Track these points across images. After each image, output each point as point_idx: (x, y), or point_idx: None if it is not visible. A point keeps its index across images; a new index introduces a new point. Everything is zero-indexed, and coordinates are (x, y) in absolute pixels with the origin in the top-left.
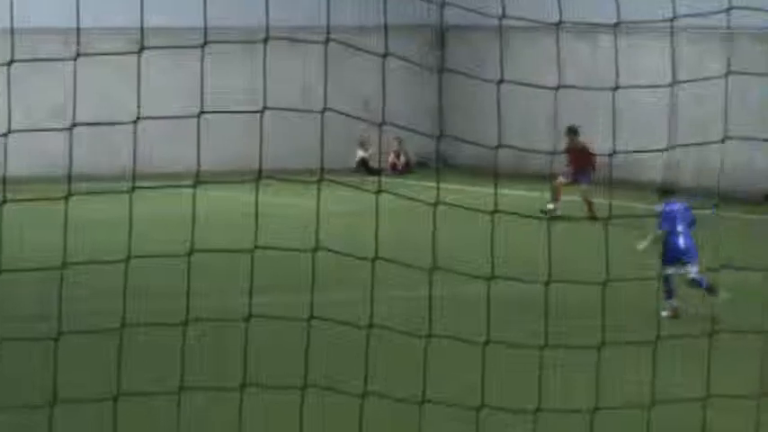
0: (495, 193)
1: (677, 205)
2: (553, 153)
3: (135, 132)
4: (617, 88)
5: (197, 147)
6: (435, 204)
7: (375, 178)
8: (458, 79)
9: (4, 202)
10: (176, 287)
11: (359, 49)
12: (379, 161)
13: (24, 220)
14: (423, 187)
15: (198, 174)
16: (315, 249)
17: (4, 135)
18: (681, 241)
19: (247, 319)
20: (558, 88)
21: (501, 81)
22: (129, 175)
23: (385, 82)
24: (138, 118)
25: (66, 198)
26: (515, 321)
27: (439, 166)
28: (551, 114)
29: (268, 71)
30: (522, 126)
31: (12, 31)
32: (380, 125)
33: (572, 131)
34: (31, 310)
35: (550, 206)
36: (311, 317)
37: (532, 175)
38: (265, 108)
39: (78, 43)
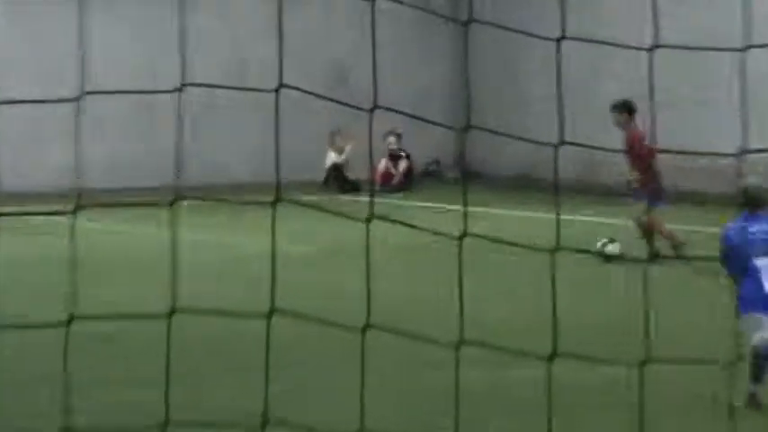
0: (558, 221)
1: (763, 225)
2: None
3: None
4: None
5: None
6: (461, 238)
7: (356, 196)
8: (486, 39)
9: None
10: None
11: None
12: (371, 168)
13: None
14: (433, 211)
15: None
16: (269, 314)
17: None
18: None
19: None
20: (653, 48)
21: (562, 38)
22: None
23: (375, 42)
24: None
25: None
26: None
27: (459, 176)
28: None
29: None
30: (584, 114)
31: None
32: (371, 110)
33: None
34: None
35: (611, 248)
36: None
37: (604, 192)
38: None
39: None
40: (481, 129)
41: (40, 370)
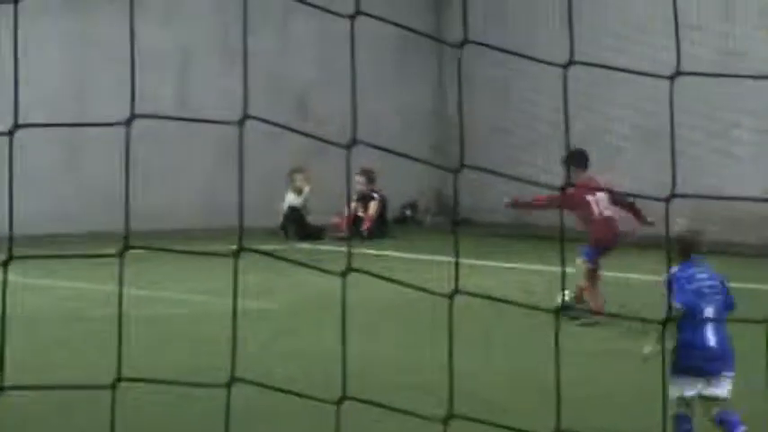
0: (564, 272)
1: (707, 274)
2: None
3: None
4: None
5: None
6: (451, 296)
7: (317, 244)
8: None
9: None
10: None
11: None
12: (344, 213)
13: None
14: (408, 262)
15: None
16: (229, 383)
17: None
18: (710, 337)
19: None
20: (674, 77)
21: (570, 63)
22: None
23: (354, 66)
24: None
25: None
26: None
27: (439, 222)
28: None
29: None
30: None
31: None
32: (348, 147)
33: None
34: None
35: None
36: None
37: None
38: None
39: None
40: (476, 168)
41: None
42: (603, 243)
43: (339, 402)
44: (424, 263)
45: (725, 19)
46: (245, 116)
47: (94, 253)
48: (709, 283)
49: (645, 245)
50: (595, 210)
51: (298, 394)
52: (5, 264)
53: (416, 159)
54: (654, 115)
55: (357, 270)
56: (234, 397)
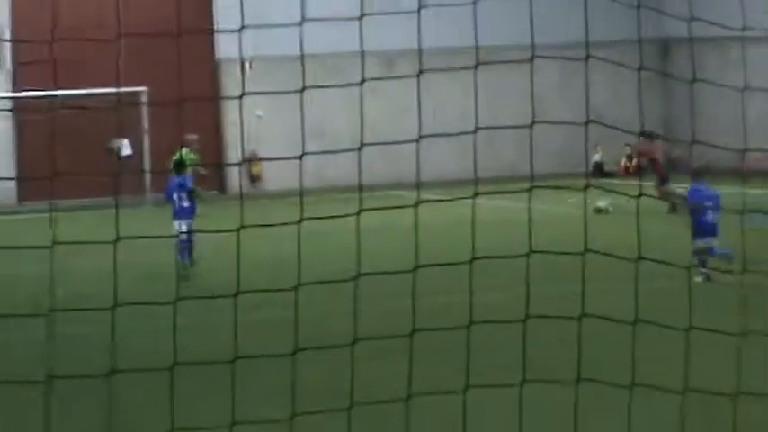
0: None
1: (705, 188)
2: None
3: (418, 148)
4: None
5: (474, 159)
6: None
7: (609, 180)
8: (681, 91)
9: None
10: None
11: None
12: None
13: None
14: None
15: (476, 183)
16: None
17: (299, 158)
18: (709, 220)
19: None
20: None
21: (745, 88)
22: (401, 185)
23: (616, 91)
24: (421, 136)
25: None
26: None
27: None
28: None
29: (504, 85)
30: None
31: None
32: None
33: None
34: None
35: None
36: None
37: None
38: (534, 122)
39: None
40: (698, 142)
41: None
42: None
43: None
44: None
45: None
46: (534, 121)
47: None
48: (707, 193)
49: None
50: None
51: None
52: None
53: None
54: None
55: (647, 195)
56: None
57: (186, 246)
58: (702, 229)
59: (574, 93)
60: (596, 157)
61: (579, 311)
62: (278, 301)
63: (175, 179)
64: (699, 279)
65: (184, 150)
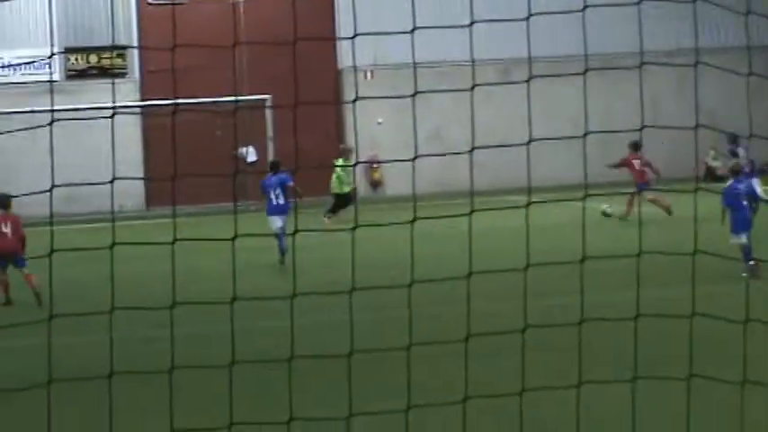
0: None
1: (743, 184)
2: None
3: (528, 153)
4: None
5: (584, 163)
6: None
7: (717, 184)
8: None
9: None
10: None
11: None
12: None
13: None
14: None
15: (586, 187)
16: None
17: (413, 159)
18: (746, 216)
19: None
20: None
21: None
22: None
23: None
24: (531, 140)
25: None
26: None
27: None
28: None
29: (621, 92)
30: None
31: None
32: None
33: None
34: None
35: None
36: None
37: None
38: (644, 126)
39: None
40: None
41: None
42: None
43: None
44: None
45: None
46: (644, 125)
47: None
48: (744, 191)
49: None
50: None
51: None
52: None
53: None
54: None
55: None
56: None
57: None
58: (739, 224)
59: (687, 98)
60: (709, 162)
61: (688, 311)
62: (394, 301)
63: (273, 177)
64: (745, 274)
65: (340, 160)
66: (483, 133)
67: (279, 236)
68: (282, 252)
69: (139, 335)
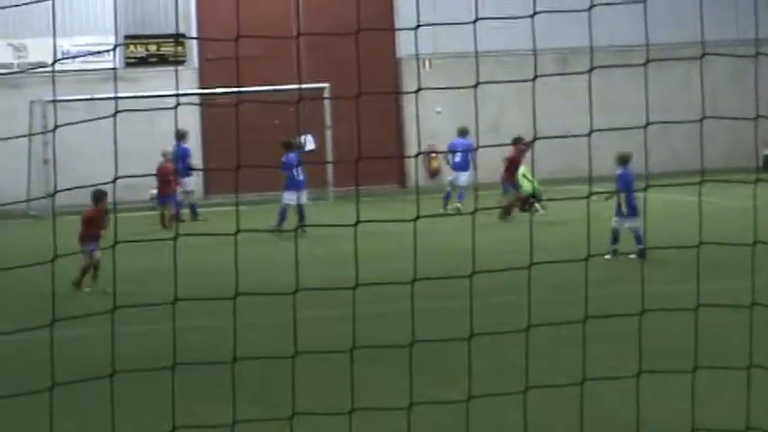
0: None
1: (623, 171)
2: None
3: (589, 145)
4: None
5: (645, 154)
6: None
7: None
8: None
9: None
10: None
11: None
12: None
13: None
14: None
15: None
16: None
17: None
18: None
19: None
20: None
21: None
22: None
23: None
24: (592, 131)
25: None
26: None
27: None
28: None
29: (681, 82)
30: None
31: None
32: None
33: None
34: None
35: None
36: None
37: None
38: (704, 117)
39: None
40: None
41: None
42: None
43: None
44: None
45: None
46: (703, 117)
47: None
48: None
49: None
50: None
51: None
52: None
53: None
54: None
55: None
56: None
57: (296, 213)
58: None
59: (747, 88)
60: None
61: (747, 301)
62: (452, 292)
63: (292, 155)
64: (608, 257)
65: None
66: (541, 124)
67: (300, 207)
68: (302, 218)
69: (199, 324)
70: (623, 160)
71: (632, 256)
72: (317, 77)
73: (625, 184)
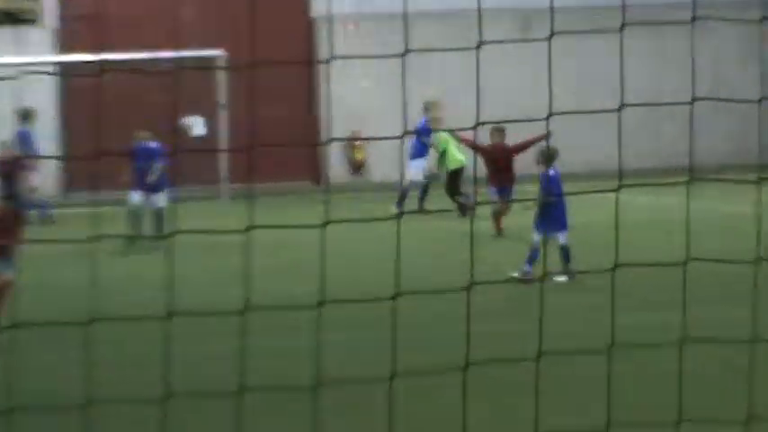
0: None
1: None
2: None
3: (548, 132)
4: None
5: (618, 144)
6: None
7: None
8: None
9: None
10: None
11: None
12: None
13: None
14: None
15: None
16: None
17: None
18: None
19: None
20: None
21: None
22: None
23: None
24: (551, 114)
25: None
26: None
27: None
28: None
29: (675, 57)
30: None
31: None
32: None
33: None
34: None
35: None
36: None
37: None
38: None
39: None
40: None
41: None
42: None
43: None
44: None
45: None
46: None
47: None
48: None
49: None
50: None
51: None
52: None
53: None
54: None
55: None
56: None
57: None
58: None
59: (754, 66)
60: None
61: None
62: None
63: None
64: (516, 275)
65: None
66: (496, 102)
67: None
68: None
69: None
70: (549, 158)
71: (562, 278)
72: (209, 43)
73: (556, 188)
